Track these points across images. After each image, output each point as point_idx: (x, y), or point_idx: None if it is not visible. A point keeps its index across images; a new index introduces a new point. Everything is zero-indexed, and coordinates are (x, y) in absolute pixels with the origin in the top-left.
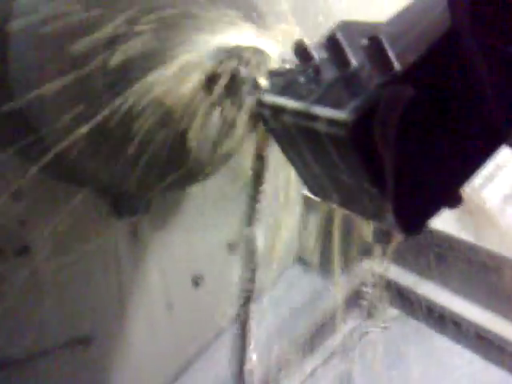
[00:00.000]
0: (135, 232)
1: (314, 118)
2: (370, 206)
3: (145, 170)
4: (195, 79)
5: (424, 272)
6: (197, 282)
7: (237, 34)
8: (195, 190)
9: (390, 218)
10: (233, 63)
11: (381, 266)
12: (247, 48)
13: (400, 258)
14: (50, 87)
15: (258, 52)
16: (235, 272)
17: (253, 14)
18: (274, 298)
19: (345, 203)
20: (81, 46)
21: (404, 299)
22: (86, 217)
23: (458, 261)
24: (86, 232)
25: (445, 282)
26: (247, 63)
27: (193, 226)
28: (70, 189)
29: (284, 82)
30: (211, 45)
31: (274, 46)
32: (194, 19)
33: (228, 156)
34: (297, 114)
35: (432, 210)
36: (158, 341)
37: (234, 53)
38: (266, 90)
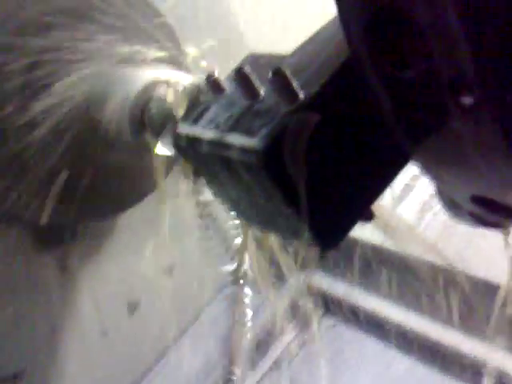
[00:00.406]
0: (64, 263)
1: (228, 146)
2: (287, 225)
3: (64, 200)
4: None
5: (354, 280)
6: (133, 307)
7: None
8: (125, 216)
9: (307, 236)
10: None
11: (313, 278)
12: (162, 81)
13: (331, 269)
14: None
15: (173, 84)
16: (172, 296)
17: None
18: (213, 315)
19: (264, 225)
20: None
21: (337, 308)
22: (10, 254)
23: (382, 267)
24: (12, 267)
25: (373, 288)
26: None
27: (126, 251)
28: None
29: (197, 112)
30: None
31: (187, 77)
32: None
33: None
34: (211, 143)
35: (346, 225)
36: (93, 370)
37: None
38: (181, 121)
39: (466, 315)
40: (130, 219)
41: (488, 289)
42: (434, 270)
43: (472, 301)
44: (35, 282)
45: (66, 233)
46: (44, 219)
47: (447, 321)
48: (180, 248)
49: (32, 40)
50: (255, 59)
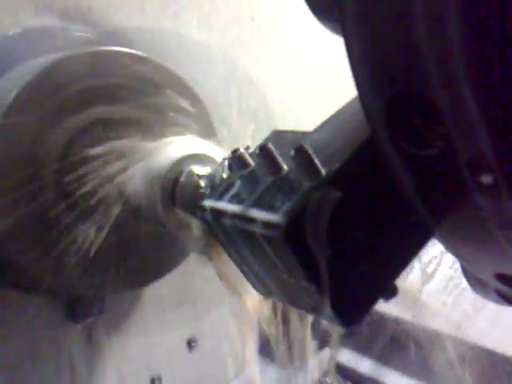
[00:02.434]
0: (90, 335)
1: (251, 220)
2: (309, 301)
3: (96, 272)
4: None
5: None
6: (154, 383)
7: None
8: (152, 287)
9: (329, 312)
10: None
11: (338, 355)
12: (193, 157)
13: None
14: None
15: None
16: (194, 369)
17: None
18: None
19: (286, 299)
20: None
21: None
22: (37, 324)
23: (410, 345)
24: (39, 340)
25: (401, 366)
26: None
27: (150, 324)
28: (17, 296)
29: (222, 187)
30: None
31: (217, 153)
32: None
33: (185, 253)
34: (235, 216)
35: (369, 302)
36: None
37: (181, 163)
38: (207, 195)
39: None
40: (156, 291)
41: None
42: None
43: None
44: (60, 354)
45: (94, 305)
46: (74, 291)
47: None
48: (205, 323)
49: (67, 119)
50: (279, 136)
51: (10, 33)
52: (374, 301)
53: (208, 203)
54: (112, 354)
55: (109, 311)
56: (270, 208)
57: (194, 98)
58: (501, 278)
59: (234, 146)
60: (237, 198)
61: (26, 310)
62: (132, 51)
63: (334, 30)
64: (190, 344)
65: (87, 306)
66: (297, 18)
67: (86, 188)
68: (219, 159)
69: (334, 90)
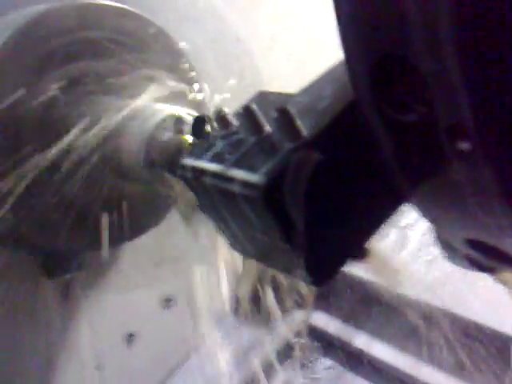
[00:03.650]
0: (66, 291)
1: (230, 179)
2: (283, 260)
3: (75, 229)
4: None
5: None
6: (129, 340)
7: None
8: (130, 245)
9: (301, 271)
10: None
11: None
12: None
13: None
14: None
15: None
16: (170, 328)
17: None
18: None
19: (261, 258)
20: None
21: (335, 349)
22: (13, 279)
23: (377, 307)
24: (15, 294)
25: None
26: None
27: (127, 282)
28: None
29: (204, 146)
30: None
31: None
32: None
33: (164, 212)
34: (215, 175)
35: (339, 263)
36: None
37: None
38: (188, 154)
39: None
40: (135, 249)
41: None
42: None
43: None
44: (36, 308)
45: (71, 261)
46: (54, 246)
47: (438, 362)
48: (183, 281)
49: (52, 73)
50: (264, 97)
51: None
52: (344, 261)
53: (188, 162)
54: (88, 310)
55: (86, 268)
56: (251, 168)
57: (179, 55)
58: (472, 243)
59: (217, 106)
60: (218, 158)
61: (3, 263)
62: (119, 5)
63: None
64: (167, 302)
65: (64, 262)
66: None
67: (68, 143)
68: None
69: (322, 54)
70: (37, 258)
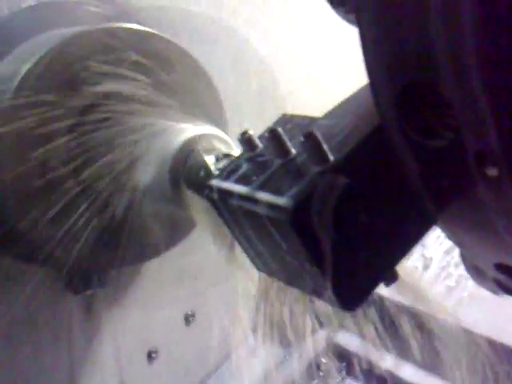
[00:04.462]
0: (89, 307)
1: (257, 201)
2: (311, 283)
3: (100, 246)
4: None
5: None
6: (151, 357)
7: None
8: (152, 262)
9: (329, 295)
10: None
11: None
12: (203, 137)
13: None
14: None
15: (211, 138)
16: (192, 345)
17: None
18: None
19: (288, 280)
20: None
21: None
22: (37, 294)
23: (406, 328)
24: (38, 309)
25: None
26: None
27: (149, 298)
28: (19, 265)
29: (230, 167)
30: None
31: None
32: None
33: (187, 229)
34: (242, 197)
35: (369, 287)
36: None
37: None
38: (215, 175)
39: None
40: (157, 266)
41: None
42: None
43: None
44: (59, 324)
45: (94, 277)
46: (76, 263)
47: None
48: (204, 298)
49: (80, 93)
50: (288, 120)
51: (24, 5)
52: (374, 286)
53: (215, 183)
54: (110, 326)
55: (109, 284)
56: (277, 191)
57: (203, 77)
58: (500, 267)
59: (243, 128)
60: (244, 179)
61: (27, 279)
62: (145, 28)
63: (348, 19)
64: (188, 319)
65: (87, 278)
66: (306, 2)
67: (95, 163)
68: (227, 140)
69: (342, 73)
70: (61, 273)
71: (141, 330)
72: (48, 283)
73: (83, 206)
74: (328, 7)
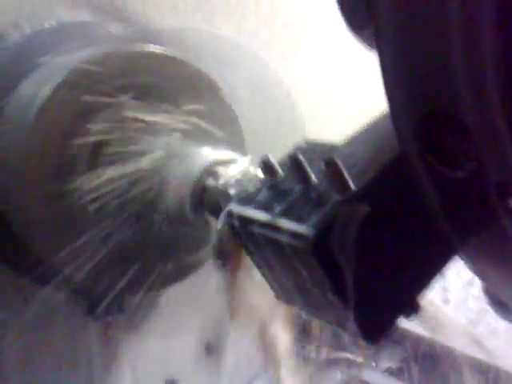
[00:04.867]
0: (108, 333)
1: (279, 229)
2: (332, 313)
3: (121, 272)
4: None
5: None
6: None
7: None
8: (172, 290)
9: (352, 325)
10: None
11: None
12: (224, 162)
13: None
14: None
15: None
16: (210, 375)
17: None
18: None
19: (308, 308)
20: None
21: None
22: (57, 319)
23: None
24: (58, 334)
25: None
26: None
27: (168, 327)
28: (39, 289)
29: (251, 193)
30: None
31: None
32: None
33: (206, 257)
34: (263, 225)
35: (392, 318)
36: None
37: (213, 167)
38: (235, 201)
39: None
40: (176, 294)
41: None
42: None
43: None
44: (78, 350)
45: (114, 303)
46: (95, 288)
47: None
48: (224, 328)
49: (101, 115)
50: (308, 146)
51: (46, 25)
52: (396, 316)
53: (236, 209)
54: (129, 353)
55: (128, 311)
56: (299, 219)
57: (223, 101)
58: None
59: (263, 154)
60: (265, 206)
61: (48, 303)
62: (165, 51)
63: (367, 44)
64: (208, 349)
65: (108, 304)
66: (325, 27)
67: (115, 187)
68: (247, 165)
69: (361, 98)
70: (80, 299)
71: (159, 358)
72: (68, 308)
73: (105, 232)
74: (347, 32)
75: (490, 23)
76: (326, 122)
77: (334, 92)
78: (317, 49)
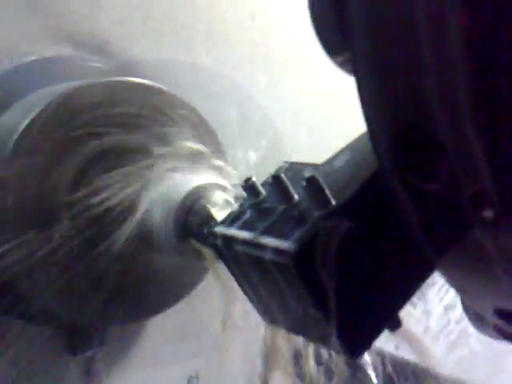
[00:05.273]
0: (89, 368)
1: (261, 247)
2: (315, 329)
3: (102, 303)
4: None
5: None
6: None
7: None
8: (154, 321)
9: (335, 341)
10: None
11: None
12: (206, 187)
13: None
14: None
15: (214, 188)
16: None
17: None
18: None
19: (292, 327)
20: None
21: None
22: (36, 355)
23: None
24: (37, 371)
25: None
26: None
27: (150, 359)
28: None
29: (234, 214)
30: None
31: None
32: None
33: (190, 287)
34: (246, 243)
35: (373, 333)
36: None
37: (195, 192)
38: (219, 223)
39: None
40: (158, 325)
41: None
42: None
43: None
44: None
45: (94, 337)
46: (76, 322)
47: None
48: (208, 359)
49: (81, 147)
50: (290, 166)
51: (27, 60)
52: (378, 332)
53: (219, 230)
54: None
55: (109, 344)
56: (281, 235)
57: (207, 130)
58: (500, 313)
59: (246, 175)
60: (248, 226)
61: (26, 338)
62: (146, 82)
63: (344, 68)
64: (192, 381)
65: (88, 338)
66: (307, 61)
67: (98, 219)
68: (230, 189)
69: (344, 128)
70: (59, 334)
71: None
72: (47, 343)
73: (83, 263)
74: (328, 63)
75: (460, 45)
76: (310, 152)
77: (317, 124)
78: (299, 81)
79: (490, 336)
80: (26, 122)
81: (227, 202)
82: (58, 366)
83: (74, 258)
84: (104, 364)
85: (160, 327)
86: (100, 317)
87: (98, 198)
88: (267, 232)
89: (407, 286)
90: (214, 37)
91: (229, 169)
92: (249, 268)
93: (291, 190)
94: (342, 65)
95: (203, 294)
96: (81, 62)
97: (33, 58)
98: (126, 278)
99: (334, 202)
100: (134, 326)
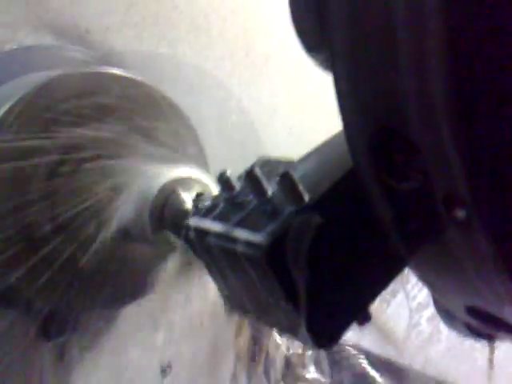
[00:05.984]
0: (61, 353)
1: (234, 240)
2: (285, 320)
3: (75, 289)
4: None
5: None
6: None
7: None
8: (128, 308)
9: (304, 333)
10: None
11: None
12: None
13: None
14: None
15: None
16: None
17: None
18: None
19: (261, 317)
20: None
21: None
22: (8, 340)
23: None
24: (9, 356)
25: None
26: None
27: (124, 346)
28: None
29: (208, 207)
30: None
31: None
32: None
33: (165, 276)
34: (218, 235)
35: (343, 326)
36: None
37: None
38: (192, 215)
39: None
40: (133, 313)
41: None
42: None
43: None
44: (31, 371)
45: (67, 323)
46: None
47: None
48: (181, 349)
49: (57, 138)
50: (266, 163)
51: (7, 48)
52: (348, 325)
53: (192, 222)
54: (83, 373)
55: (82, 330)
56: (253, 229)
57: (185, 123)
58: (470, 311)
59: (221, 169)
60: (221, 218)
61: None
62: (126, 73)
63: (323, 66)
64: (165, 369)
65: (61, 323)
66: (288, 59)
67: (73, 208)
68: (206, 182)
69: (322, 127)
70: (33, 319)
71: (114, 378)
72: (20, 328)
73: (58, 249)
74: (309, 62)
75: (437, 47)
76: (289, 150)
77: (296, 122)
78: (279, 80)
79: (460, 333)
80: (3, 110)
81: (202, 195)
82: (31, 352)
83: (46, 244)
84: (77, 350)
85: (134, 315)
86: (75, 303)
87: (73, 189)
88: (240, 225)
89: (378, 281)
90: (196, 31)
91: (205, 163)
92: (221, 260)
93: (265, 184)
94: (321, 63)
95: (177, 283)
96: (61, 52)
97: (12, 46)
98: (101, 266)
99: (307, 198)
100: (108, 313)
